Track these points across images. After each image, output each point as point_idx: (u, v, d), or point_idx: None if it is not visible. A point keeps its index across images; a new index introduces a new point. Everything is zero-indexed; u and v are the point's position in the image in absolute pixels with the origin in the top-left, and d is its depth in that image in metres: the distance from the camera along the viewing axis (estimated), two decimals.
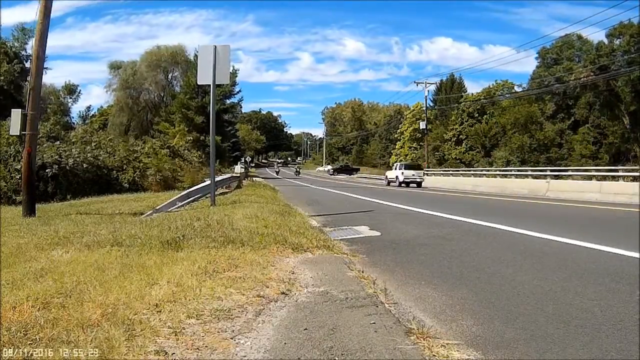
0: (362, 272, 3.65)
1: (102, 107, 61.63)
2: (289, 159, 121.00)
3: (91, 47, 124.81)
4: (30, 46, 38.61)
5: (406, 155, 51.49)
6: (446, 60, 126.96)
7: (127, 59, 52.96)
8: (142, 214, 8.42)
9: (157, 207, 9.20)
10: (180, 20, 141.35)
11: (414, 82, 40.33)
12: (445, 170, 32.48)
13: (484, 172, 26.62)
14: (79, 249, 4.28)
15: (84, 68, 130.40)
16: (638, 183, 13.11)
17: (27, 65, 39.49)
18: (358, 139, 78.21)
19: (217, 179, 14.53)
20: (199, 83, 10.01)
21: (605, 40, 38.17)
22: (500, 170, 26.65)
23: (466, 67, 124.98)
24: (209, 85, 9.16)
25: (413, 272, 3.88)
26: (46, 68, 10.60)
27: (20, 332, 2.07)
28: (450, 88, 50.39)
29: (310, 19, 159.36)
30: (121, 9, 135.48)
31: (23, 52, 40.02)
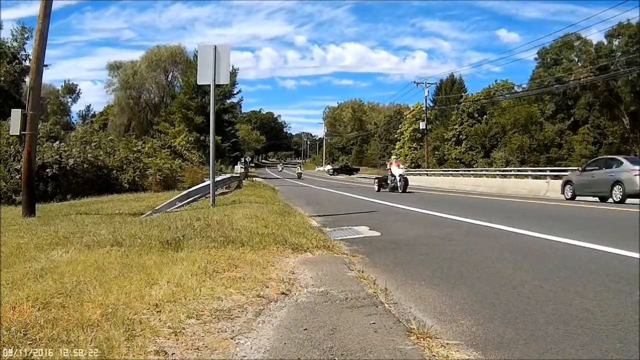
0: (362, 272, 3.64)
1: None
2: (287, 159, 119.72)
3: (152, 34, 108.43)
4: (30, 45, 38.72)
5: (406, 155, 51.50)
6: None
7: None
8: (142, 214, 8.42)
9: (157, 207, 9.20)
10: (266, 3, 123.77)
11: (414, 82, 40.39)
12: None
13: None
14: (79, 249, 4.27)
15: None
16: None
17: (27, 63, 39.41)
18: (358, 139, 78.19)
19: (217, 179, 14.53)
20: (198, 83, 9.99)
21: (604, 41, 38.24)
22: (500, 171, 26.67)
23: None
24: (209, 85, 9.16)
25: (413, 272, 3.88)
26: (45, 66, 10.53)
27: (20, 332, 2.07)
28: (450, 88, 50.43)
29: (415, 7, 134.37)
30: None
31: (23, 52, 39.93)
